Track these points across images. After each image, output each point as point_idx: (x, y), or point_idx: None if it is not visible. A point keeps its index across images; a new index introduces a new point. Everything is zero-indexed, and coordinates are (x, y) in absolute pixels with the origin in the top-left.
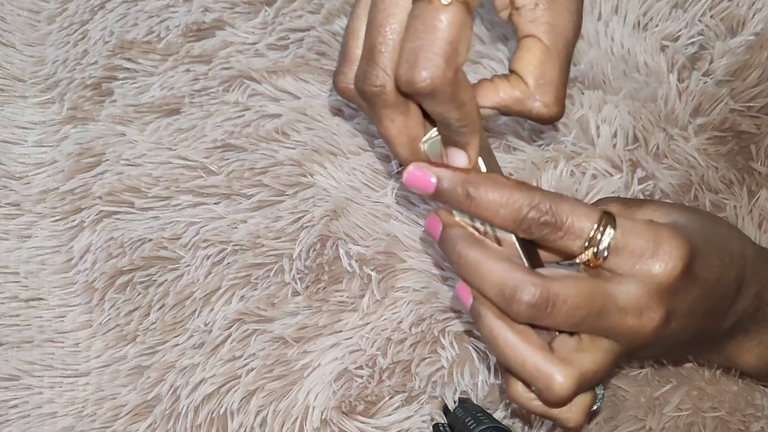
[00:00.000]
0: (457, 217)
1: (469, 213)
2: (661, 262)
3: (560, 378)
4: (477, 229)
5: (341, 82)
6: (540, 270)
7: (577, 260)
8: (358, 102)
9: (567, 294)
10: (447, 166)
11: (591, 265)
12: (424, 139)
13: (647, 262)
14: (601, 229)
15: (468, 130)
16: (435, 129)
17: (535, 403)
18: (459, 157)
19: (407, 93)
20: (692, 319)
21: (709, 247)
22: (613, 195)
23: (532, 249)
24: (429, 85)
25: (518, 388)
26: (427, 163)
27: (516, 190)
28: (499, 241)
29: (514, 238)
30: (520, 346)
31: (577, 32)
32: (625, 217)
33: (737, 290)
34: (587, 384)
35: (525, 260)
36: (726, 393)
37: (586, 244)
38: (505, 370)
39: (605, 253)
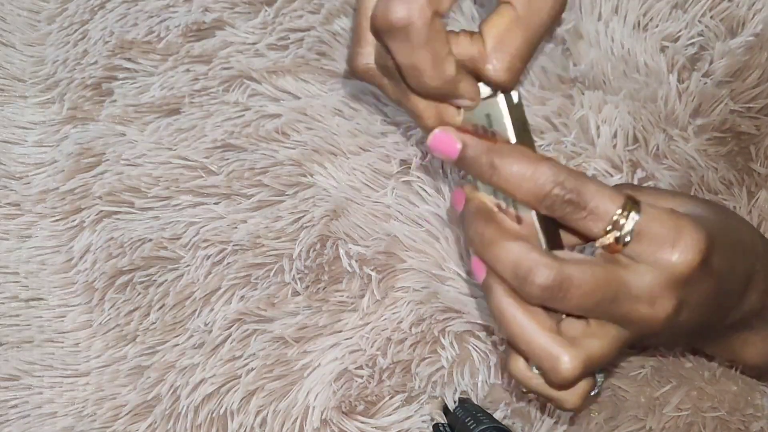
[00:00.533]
0: (482, 192)
1: (491, 184)
2: (681, 253)
3: (567, 360)
4: (499, 206)
5: (360, 63)
6: (556, 252)
7: (597, 243)
8: (378, 81)
9: (581, 279)
10: (475, 134)
11: (611, 249)
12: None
13: (667, 251)
14: (626, 213)
15: (446, 95)
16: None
17: (536, 382)
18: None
19: (380, 33)
20: (701, 311)
21: (725, 240)
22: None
23: (552, 230)
24: (404, 19)
25: (519, 365)
26: (454, 128)
27: (542, 164)
28: (519, 220)
29: (534, 218)
30: (529, 326)
31: (554, 17)
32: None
33: (746, 284)
34: (593, 368)
35: (543, 241)
36: (726, 393)
37: (609, 227)
38: (508, 346)
39: (627, 238)
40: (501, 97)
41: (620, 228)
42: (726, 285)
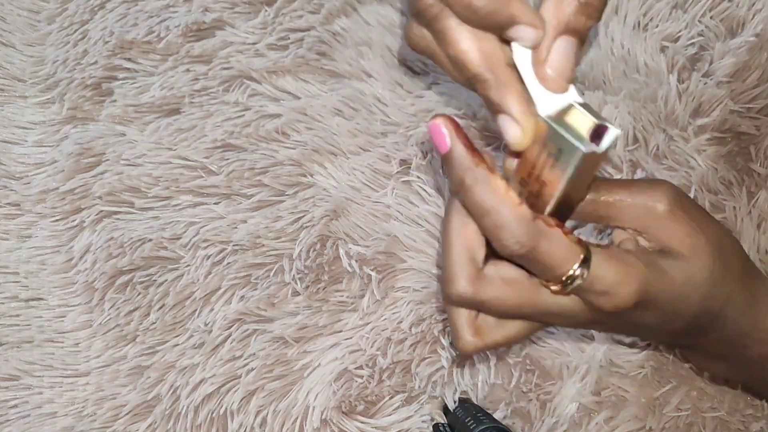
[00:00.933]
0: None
1: (458, 198)
2: (611, 302)
3: (465, 343)
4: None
5: (409, 32)
6: (488, 268)
7: (543, 283)
8: (431, 51)
9: (496, 303)
10: (470, 144)
11: (556, 291)
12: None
13: (600, 297)
14: (578, 269)
15: (501, 20)
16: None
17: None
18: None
19: None
20: (625, 329)
21: (671, 298)
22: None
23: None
24: None
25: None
26: (455, 126)
27: (506, 208)
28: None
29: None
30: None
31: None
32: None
33: (693, 335)
34: (491, 349)
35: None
36: (726, 393)
37: (560, 278)
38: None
39: (572, 288)
40: (581, 153)
41: (571, 280)
42: (661, 329)
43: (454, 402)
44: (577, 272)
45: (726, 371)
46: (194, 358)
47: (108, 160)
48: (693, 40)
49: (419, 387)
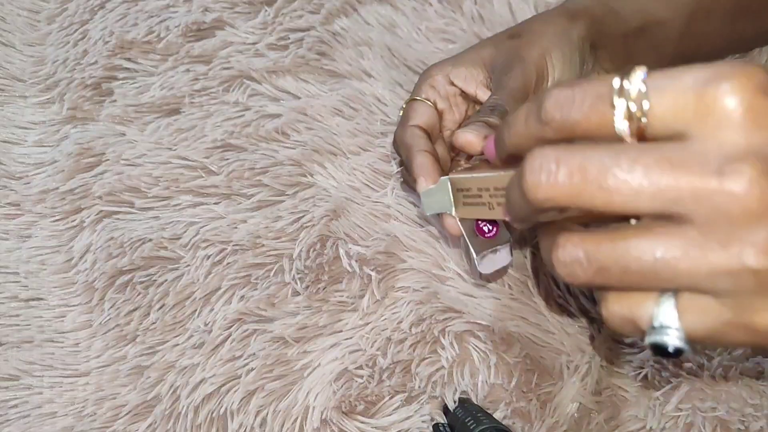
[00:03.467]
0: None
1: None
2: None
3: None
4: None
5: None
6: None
7: (617, 130)
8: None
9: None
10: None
11: (636, 133)
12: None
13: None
14: (627, 76)
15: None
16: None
17: None
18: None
19: None
20: None
21: None
22: None
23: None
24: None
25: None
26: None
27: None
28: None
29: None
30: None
31: None
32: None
33: None
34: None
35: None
36: (726, 393)
37: (615, 98)
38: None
39: (643, 105)
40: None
41: (627, 94)
42: None
43: (454, 402)
44: (627, 79)
45: None
46: (194, 358)
47: (108, 160)
48: None
49: (419, 387)
